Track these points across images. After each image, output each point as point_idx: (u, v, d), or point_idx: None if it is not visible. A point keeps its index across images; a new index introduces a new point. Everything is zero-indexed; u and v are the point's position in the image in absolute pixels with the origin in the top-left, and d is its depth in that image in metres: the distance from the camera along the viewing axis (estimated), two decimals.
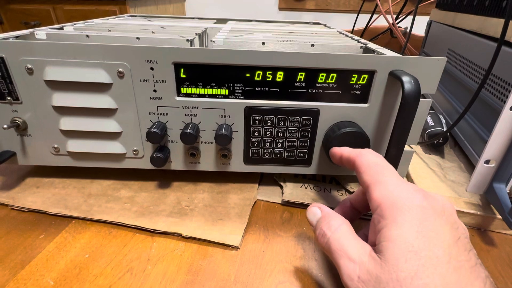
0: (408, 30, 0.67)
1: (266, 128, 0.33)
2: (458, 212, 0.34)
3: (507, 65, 0.36)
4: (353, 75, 0.31)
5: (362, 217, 0.32)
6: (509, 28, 0.34)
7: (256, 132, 0.33)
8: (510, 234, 0.33)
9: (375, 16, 0.87)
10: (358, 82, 0.31)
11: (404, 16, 0.82)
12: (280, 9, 1.86)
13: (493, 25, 0.40)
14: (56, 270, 0.27)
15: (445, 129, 0.45)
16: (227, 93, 0.31)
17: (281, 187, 0.38)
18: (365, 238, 0.22)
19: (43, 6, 1.38)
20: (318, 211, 0.24)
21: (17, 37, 0.35)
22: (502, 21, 0.32)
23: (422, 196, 0.20)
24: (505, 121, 0.28)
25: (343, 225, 0.22)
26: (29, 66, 0.29)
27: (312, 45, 0.38)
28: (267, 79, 0.31)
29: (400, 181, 0.22)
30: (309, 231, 0.32)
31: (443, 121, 0.47)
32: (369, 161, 0.24)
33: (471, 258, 0.18)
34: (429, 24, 0.70)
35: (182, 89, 0.31)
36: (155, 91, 0.31)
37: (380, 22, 0.90)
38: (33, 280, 0.26)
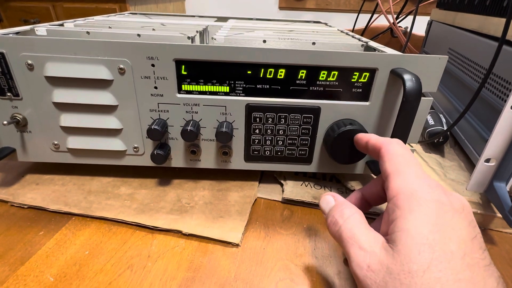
0: (408, 29, 0.67)
1: (267, 126, 0.33)
2: None
3: (508, 64, 0.36)
4: (355, 73, 0.31)
5: (369, 216, 0.32)
6: (510, 27, 0.34)
7: (257, 130, 0.33)
8: (510, 233, 0.33)
9: (375, 15, 0.87)
10: (359, 80, 0.31)
11: (404, 16, 0.82)
12: (280, 8, 1.86)
13: (494, 24, 0.40)
14: (56, 267, 0.26)
15: (445, 128, 0.45)
16: (228, 91, 0.31)
17: (282, 185, 0.38)
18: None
19: (43, 3, 1.38)
20: (331, 199, 0.24)
21: (17, 33, 0.35)
22: (503, 20, 0.32)
23: (441, 191, 0.20)
24: (506, 120, 0.28)
25: (355, 214, 0.22)
26: (30, 62, 0.29)
27: (313, 43, 0.38)
28: (268, 76, 0.31)
29: (423, 174, 0.21)
30: (310, 229, 0.32)
31: (443, 120, 0.47)
32: (395, 151, 0.23)
33: (486, 257, 0.18)
34: (430, 24, 0.70)
35: (183, 86, 0.31)
36: (156, 88, 0.31)
37: (381, 21, 0.90)
38: (32, 276, 0.26)
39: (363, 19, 0.91)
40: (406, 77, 0.27)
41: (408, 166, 0.22)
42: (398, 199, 0.20)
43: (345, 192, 0.37)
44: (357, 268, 0.19)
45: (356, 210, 0.23)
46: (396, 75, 0.29)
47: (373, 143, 0.26)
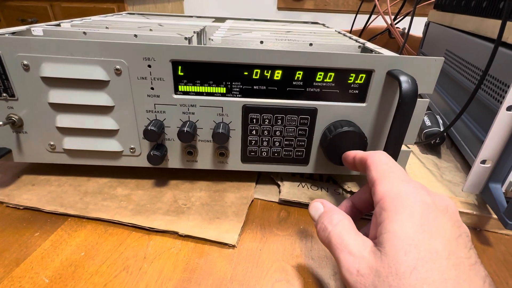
0: (406, 30, 0.67)
1: (263, 127, 0.33)
2: None
3: (504, 66, 0.36)
4: (351, 74, 0.31)
5: (363, 217, 0.32)
6: (506, 29, 0.34)
7: (254, 131, 0.33)
8: (505, 234, 0.34)
9: (373, 16, 0.87)
10: (356, 82, 0.31)
11: (402, 17, 0.82)
12: (279, 8, 1.86)
13: (490, 26, 0.41)
14: (51, 268, 0.26)
15: (442, 129, 0.45)
16: (225, 91, 0.31)
17: (278, 186, 0.38)
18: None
19: (41, 3, 1.38)
20: (320, 206, 0.24)
21: (13, 33, 0.34)
22: (499, 22, 0.32)
23: (426, 192, 0.21)
24: (502, 121, 0.29)
25: (344, 220, 0.22)
26: (25, 62, 0.29)
27: (311, 44, 0.38)
28: (265, 77, 0.31)
29: (407, 178, 0.22)
30: (306, 230, 0.32)
31: (440, 121, 0.47)
32: (380, 160, 0.24)
33: (472, 256, 0.18)
34: (427, 25, 0.70)
35: (179, 87, 0.31)
36: (152, 88, 0.31)
37: (379, 22, 0.90)
38: (28, 278, 0.25)
39: (361, 20, 0.91)
40: (402, 78, 0.28)
41: (393, 172, 0.23)
42: (384, 201, 0.20)
43: (342, 193, 0.37)
44: (347, 273, 0.19)
45: (344, 216, 0.23)
46: (392, 77, 0.29)
47: (359, 157, 0.27)
